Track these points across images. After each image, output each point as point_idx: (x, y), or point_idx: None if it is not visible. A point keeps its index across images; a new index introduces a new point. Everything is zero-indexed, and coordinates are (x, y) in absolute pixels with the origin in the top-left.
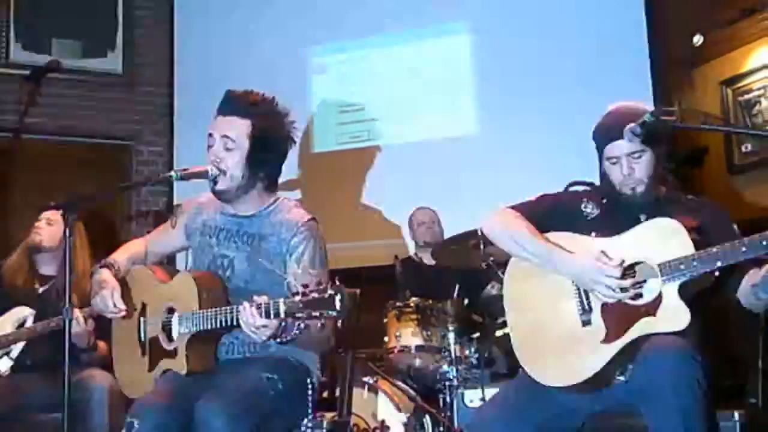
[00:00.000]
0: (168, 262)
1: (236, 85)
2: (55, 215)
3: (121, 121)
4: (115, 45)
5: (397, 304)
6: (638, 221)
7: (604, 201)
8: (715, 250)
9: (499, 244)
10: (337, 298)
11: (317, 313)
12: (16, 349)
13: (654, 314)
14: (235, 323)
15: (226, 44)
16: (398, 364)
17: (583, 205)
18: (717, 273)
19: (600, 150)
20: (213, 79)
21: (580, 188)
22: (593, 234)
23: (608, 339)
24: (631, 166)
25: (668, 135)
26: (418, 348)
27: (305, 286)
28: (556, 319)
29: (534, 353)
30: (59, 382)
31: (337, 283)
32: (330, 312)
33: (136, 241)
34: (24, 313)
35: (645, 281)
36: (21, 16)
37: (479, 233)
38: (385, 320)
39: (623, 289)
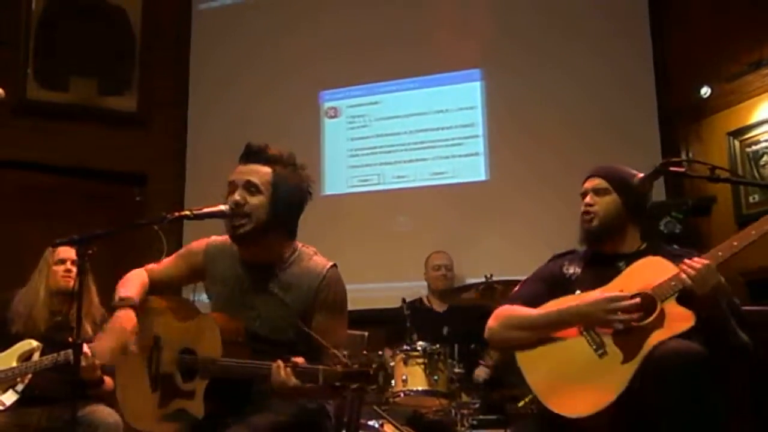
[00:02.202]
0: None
1: (247, 128)
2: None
3: (133, 159)
4: (131, 84)
5: (405, 347)
6: (618, 270)
7: (585, 260)
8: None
9: (509, 340)
10: (381, 374)
11: (357, 386)
12: (21, 382)
13: (662, 326)
14: (262, 379)
15: (239, 87)
16: (404, 408)
17: (564, 268)
18: None
19: None
20: (225, 120)
21: (563, 257)
22: (578, 292)
23: (627, 359)
24: (594, 200)
25: (638, 191)
26: (425, 392)
27: (347, 356)
28: (573, 359)
29: (560, 393)
30: (64, 416)
31: (381, 358)
32: (371, 387)
33: (138, 273)
34: (31, 346)
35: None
36: (38, 54)
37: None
38: (391, 363)
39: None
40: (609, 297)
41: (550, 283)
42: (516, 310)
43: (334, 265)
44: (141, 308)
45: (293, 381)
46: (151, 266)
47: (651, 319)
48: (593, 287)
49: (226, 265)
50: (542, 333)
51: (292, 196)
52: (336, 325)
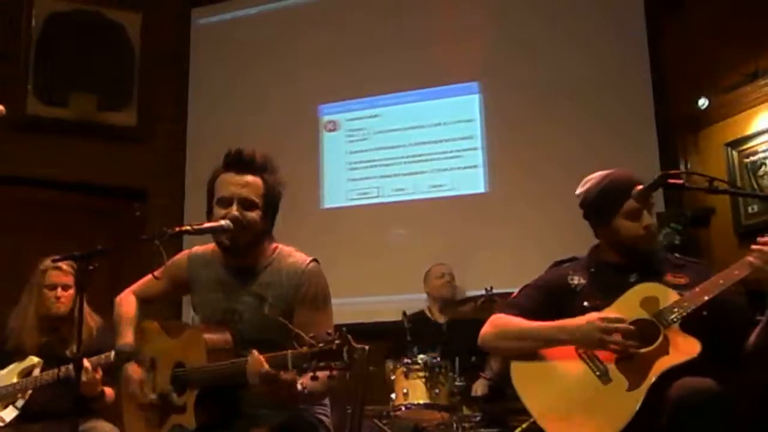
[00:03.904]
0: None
1: (246, 142)
2: (67, 278)
3: (133, 174)
4: (131, 100)
5: (405, 361)
6: (629, 282)
7: (592, 270)
8: (698, 289)
9: (503, 350)
10: (345, 349)
11: (324, 365)
12: (22, 398)
13: (667, 352)
14: (241, 376)
15: (239, 101)
16: (405, 421)
17: (569, 278)
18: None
19: (613, 210)
20: (225, 134)
21: (564, 265)
22: (585, 303)
23: (633, 385)
24: (650, 217)
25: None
26: (426, 406)
27: (313, 337)
28: (575, 386)
29: (563, 420)
30: (64, 431)
31: (344, 333)
32: (337, 364)
33: (128, 300)
34: (31, 362)
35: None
36: (38, 69)
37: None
38: (392, 377)
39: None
40: (604, 318)
41: (552, 294)
42: (511, 320)
43: (315, 260)
44: (135, 335)
45: (266, 367)
46: (136, 286)
47: (655, 346)
48: (602, 299)
49: (209, 273)
50: (535, 346)
51: (276, 202)
52: (319, 319)
